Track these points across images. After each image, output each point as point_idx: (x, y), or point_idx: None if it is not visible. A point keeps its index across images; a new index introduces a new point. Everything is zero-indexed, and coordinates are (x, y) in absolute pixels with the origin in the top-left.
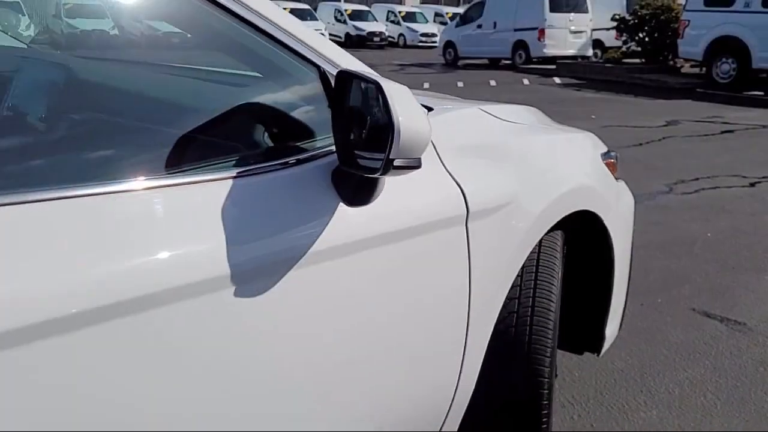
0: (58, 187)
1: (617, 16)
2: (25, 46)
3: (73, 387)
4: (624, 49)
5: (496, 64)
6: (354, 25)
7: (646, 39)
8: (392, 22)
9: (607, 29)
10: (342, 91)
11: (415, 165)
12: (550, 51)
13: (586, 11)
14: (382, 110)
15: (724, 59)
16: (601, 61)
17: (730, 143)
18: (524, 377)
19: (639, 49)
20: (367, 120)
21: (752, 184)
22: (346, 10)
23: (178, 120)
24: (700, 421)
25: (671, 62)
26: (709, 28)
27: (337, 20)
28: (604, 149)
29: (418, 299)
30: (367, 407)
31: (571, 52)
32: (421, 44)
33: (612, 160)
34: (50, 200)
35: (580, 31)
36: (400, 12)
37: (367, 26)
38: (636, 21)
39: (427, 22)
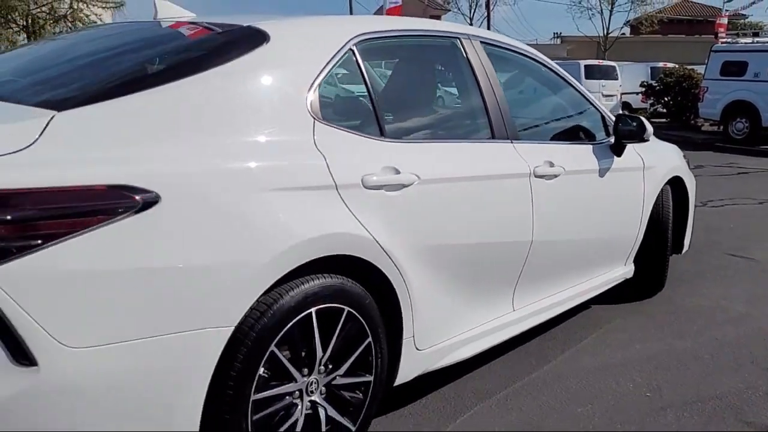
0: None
1: (645, 83)
2: None
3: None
4: (651, 110)
5: None
6: None
7: (671, 102)
8: None
9: (636, 93)
10: (618, 119)
11: (648, 140)
12: None
13: (615, 78)
14: (639, 125)
15: (738, 119)
16: None
17: (745, 180)
18: (661, 234)
19: (664, 110)
20: (626, 130)
21: (761, 203)
22: None
23: (562, 127)
24: (732, 287)
25: (692, 122)
26: (724, 94)
27: None
28: (683, 153)
29: (631, 195)
30: (610, 236)
31: None
32: None
33: (686, 159)
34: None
35: (611, 95)
36: None
37: None
38: (662, 87)
39: None
